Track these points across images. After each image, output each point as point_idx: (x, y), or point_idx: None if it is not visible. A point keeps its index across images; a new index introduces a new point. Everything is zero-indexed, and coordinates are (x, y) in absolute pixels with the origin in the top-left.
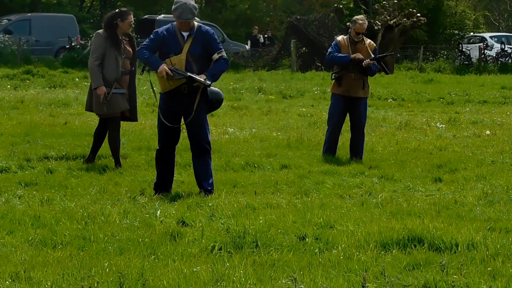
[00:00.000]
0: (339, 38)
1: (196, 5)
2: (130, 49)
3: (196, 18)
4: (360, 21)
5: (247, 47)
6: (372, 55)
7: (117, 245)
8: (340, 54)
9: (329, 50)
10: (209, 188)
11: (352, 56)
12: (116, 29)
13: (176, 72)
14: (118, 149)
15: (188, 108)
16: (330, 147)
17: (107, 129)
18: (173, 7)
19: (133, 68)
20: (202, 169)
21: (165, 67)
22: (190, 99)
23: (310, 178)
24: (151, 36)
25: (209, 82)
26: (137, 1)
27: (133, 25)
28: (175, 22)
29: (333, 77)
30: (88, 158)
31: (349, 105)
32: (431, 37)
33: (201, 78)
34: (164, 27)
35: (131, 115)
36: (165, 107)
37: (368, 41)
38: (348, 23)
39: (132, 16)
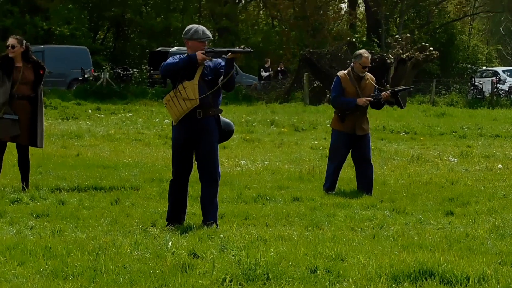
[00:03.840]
0: (341, 74)
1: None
2: (32, 75)
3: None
4: (366, 55)
5: (266, 73)
6: (376, 88)
7: (128, 277)
8: (346, 99)
9: (333, 93)
10: (213, 220)
11: (359, 102)
12: (6, 55)
13: (213, 52)
14: None
15: (201, 136)
16: (333, 183)
17: (21, 155)
18: (187, 34)
19: (34, 94)
20: (210, 199)
21: (200, 53)
22: (203, 126)
23: (321, 210)
24: (171, 58)
25: (249, 49)
26: (151, 33)
27: (10, 48)
28: (185, 54)
29: (340, 114)
30: (23, 188)
31: (354, 141)
32: (443, 71)
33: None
34: (175, 56)
35: (30, 141)
36: (178, 136)
37: (368, 74)
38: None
39: (10, 38)
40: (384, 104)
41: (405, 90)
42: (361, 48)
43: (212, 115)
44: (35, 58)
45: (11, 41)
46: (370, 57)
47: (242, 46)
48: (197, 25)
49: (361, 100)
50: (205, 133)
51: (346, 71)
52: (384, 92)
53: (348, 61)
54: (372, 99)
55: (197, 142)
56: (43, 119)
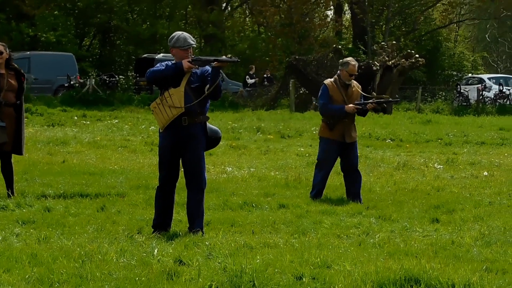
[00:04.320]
0: (327, 82)
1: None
2: (15, 83)
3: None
4: (353, 63)
5: (252, 80)
6: (362, 96)
7: (114, 284)
8: (334, 107)
9: (321, 101)
10: (200, 227)
11: (347, 109)
12: None
13: (200, 61)
14: None
15: (187, 143)
16: (319, 190)
17: (4, 162)
18: (170, 42)
19: (18, 102)
20: (196, 207)
21: (187, 61)
22: (190, 133)
23: (308, 217)
24: (159, 64)
25: (235, 58)
26: (137, 40)
27: (0, 53)
28: (172, 61)
29: (329, 122)
30: (8, 195)
31: (342, 149)
32: (429, 78)
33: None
34: (163, 63)
35: (14, 149)
36: (165, 143)
37: (354, 82)
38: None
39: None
40: (368, 111)
41: (391, 102)
42: (347, 55)
43: (199, 122)
44: (15, 65)
45: None
46: (357, 65)
47: (229, 56)
48: (180, 33)
49: (349, 107)
50: (191, 140)
51: (332, 79)
52: (370, 104)
53: (334, 70)
54: (360, 107)
55: (183, 149)
56: (24, 126)
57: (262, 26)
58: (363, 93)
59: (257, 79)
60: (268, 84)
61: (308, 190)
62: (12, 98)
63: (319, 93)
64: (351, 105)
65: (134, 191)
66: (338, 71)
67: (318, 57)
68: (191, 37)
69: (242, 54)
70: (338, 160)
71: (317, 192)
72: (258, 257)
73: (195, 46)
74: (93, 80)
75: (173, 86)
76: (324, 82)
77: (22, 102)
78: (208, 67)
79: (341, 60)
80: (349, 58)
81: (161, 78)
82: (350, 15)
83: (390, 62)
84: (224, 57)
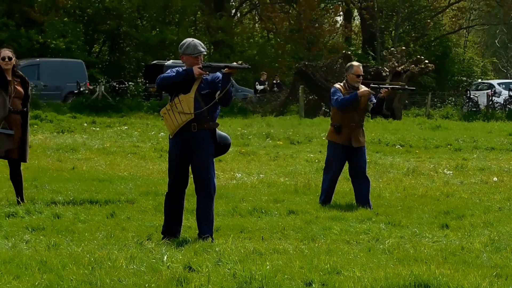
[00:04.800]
0: (337, 85)
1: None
2: (22, 90)
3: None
4: (356, 63)
5: (261, 86)
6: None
7: None
8: (347, 96)
9: (334, 96)
10: (209, 233)
11: (361, 93)
12: (1, 70)
13: (211, 67)
14: None
15: (196, 149)
16: (328, 196)
17: (13, 170)
18: (181, 48)
19: (25, 109)
20: (206, 213)
21: (197, 67)
22: (199, 140)
23: (317, 223)
24: (169, 70)
25: (246, 65)
26: (146, 46)
27: (7, 60)
28: (183, 67)
29: (336, 126)
30: (18, 202)
31: (349, 153)
32: (439, 84)
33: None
34: (174, 69)
35: (20, 156)
36: (174, 149)
37: (362, 86)
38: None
39: (5, 50)
40: (384, 101)
41: (406, 90)
42: (356, 61)
43: (208, 128)
44: (20, 72)
45: (6, 53)
46: (361, 66)
47: (240, 62)
48: (191, 39)
49: (363, 91)
50: (200, 146)
51: (341, 83)
52: (384, 89)
53: (343, 75)
54: (373, 92)
55: (192, 155)
56: (29, 134)
57: (271, 32)
58: (372, 85)
59: (267, 85)
60: (277, 90)
61: (317, 196)
62: (19, 105)
63: (331, 93)
64: (364, 88)
65: (144, 198)
66: (345, 77)
67: (327, 63)
68: (202, 44)
69: (251, 60)
70: (347, 165)
71: (326, 197)
72: (267, 263)
73: (205, 53)
74: (103, 86)
75: (183, 92)
76: (334, 86)
77: (28, 109)
78: (218, 74)
79: (346, 66)
80: (351, 62)
81: (171, 84)
82: (359, 21)
83: (400, 68)
84: (235, 63)
